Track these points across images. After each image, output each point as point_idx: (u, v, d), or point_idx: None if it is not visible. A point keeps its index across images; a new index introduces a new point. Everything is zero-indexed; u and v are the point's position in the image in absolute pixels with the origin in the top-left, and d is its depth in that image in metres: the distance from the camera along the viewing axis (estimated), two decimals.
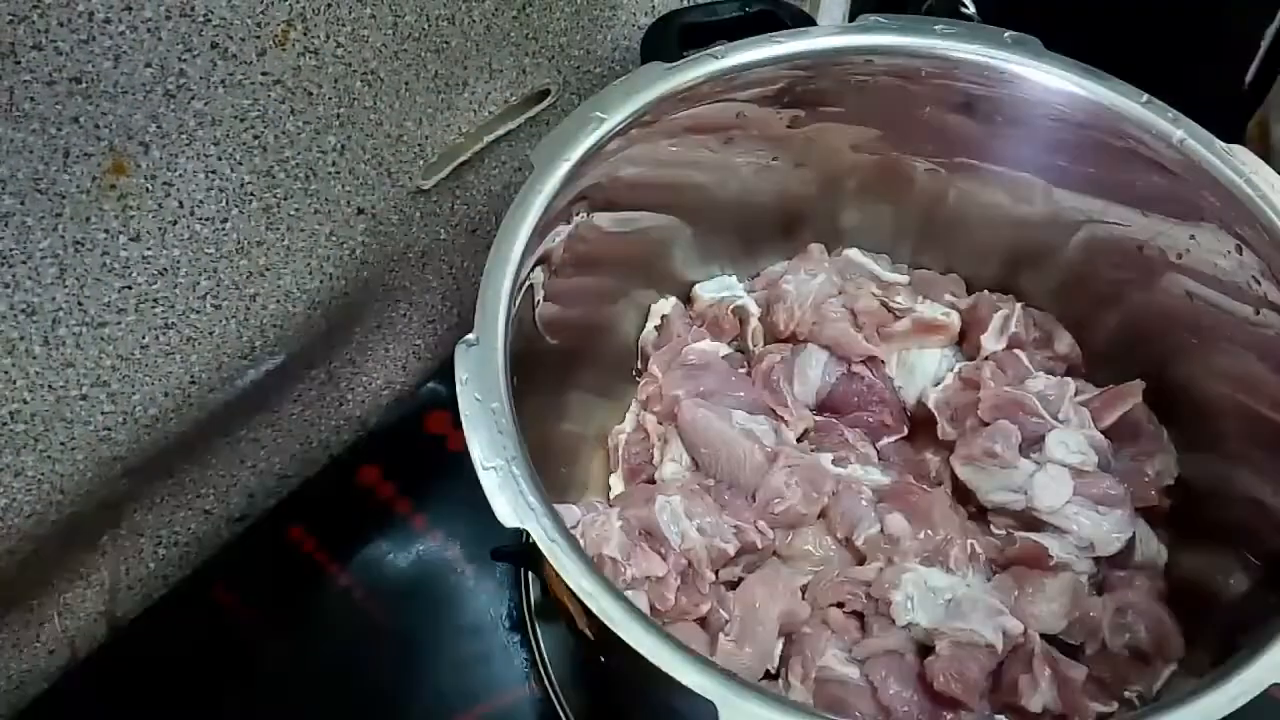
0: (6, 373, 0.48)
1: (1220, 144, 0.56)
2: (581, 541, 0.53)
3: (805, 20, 0.64)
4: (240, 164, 0.52)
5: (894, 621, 0.56)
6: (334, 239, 0.59)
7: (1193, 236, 0.58)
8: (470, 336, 0.48)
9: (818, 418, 0.65)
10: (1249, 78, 0.75)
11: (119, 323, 0.51)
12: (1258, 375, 0.56)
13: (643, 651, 0.40)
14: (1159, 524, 0.61)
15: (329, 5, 0.51)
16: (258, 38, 0.49)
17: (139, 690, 0.62)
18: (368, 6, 0.53)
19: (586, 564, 0.42)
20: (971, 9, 0.71)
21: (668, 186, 0.63)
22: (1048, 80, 0.59)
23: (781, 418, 0.63)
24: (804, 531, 0.61)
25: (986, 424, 0.61)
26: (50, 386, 0.50)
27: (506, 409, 0.46)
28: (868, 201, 0.69)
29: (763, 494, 0.60)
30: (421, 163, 0.62)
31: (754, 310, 0.68)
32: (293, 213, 0.55)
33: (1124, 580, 0.59)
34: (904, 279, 0.69)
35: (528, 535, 0.42)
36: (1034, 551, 0.58)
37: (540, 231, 0.52)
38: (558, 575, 0.42)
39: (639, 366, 0.69)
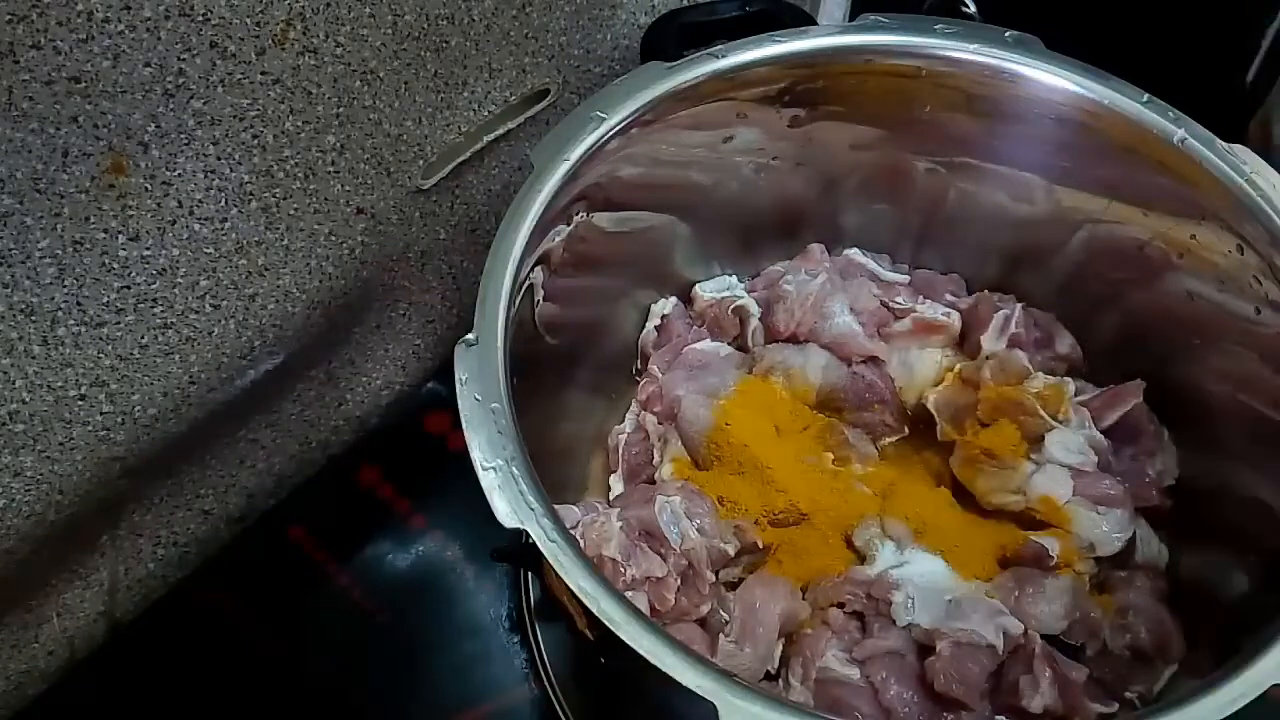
0: (5, 373, 0.48)
1: (1221, 143, 0.56)
2: (581, 542, 0.53)
3: (805, 19, 0.63)
4: (239, 163, 0.51)
5: (894, 622, 0.56)
6: (333, 239, 0.59)
7: (1193, 236, 0.58)
8: (470, 336, 0.48)
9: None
10: (1250, 77, 0.75)
11: (118, 323, 0.51)
12: (1258, 375, 0.56)
13: (643, 652, 0.40)
14: (1160, 524, 0.61)
15: (328, 4, 0.51)
16: (257, 37, 0.49)
17: (138, 691, 0.62)
18: (367, 6, 0.53)
19: (586, 565, 0.42)
20: (972, 8, 0.71)
21: (668, 186, 0.63)
22: (1049, 79, 0.59)
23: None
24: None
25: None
26: (49, 386, 0.50)
27: (506, 409, 0.46)
28: (868, 201, 0.69)
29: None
30: (421, 162, 0.62)
31: (754, 310, 0.68)
32: (292, 212, 0.55)
33: (1125, 581, 0.59)
34: (904, 279, 0.69)
35: (527, 535, 0.42)
36: (1034, 552, 0.58)
37: (540, 231, 0.52)
38: (557, 576, 0.42)
39: (639, 366, 0.69)
